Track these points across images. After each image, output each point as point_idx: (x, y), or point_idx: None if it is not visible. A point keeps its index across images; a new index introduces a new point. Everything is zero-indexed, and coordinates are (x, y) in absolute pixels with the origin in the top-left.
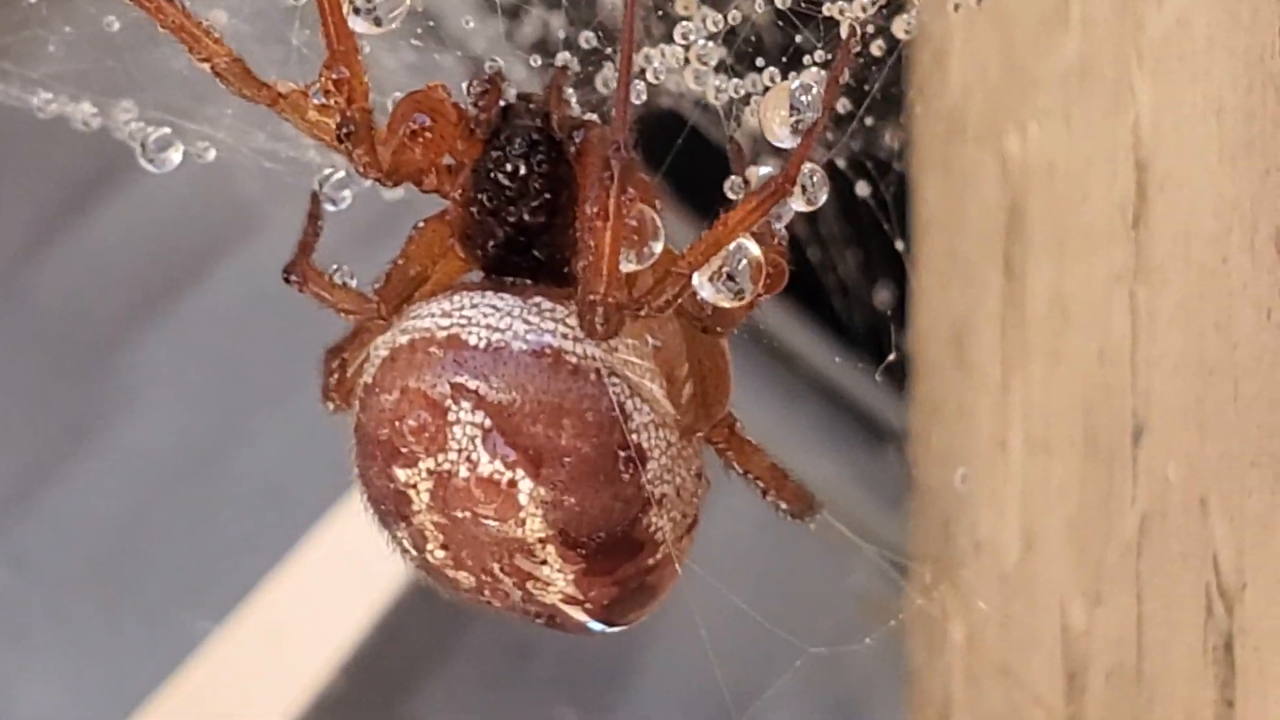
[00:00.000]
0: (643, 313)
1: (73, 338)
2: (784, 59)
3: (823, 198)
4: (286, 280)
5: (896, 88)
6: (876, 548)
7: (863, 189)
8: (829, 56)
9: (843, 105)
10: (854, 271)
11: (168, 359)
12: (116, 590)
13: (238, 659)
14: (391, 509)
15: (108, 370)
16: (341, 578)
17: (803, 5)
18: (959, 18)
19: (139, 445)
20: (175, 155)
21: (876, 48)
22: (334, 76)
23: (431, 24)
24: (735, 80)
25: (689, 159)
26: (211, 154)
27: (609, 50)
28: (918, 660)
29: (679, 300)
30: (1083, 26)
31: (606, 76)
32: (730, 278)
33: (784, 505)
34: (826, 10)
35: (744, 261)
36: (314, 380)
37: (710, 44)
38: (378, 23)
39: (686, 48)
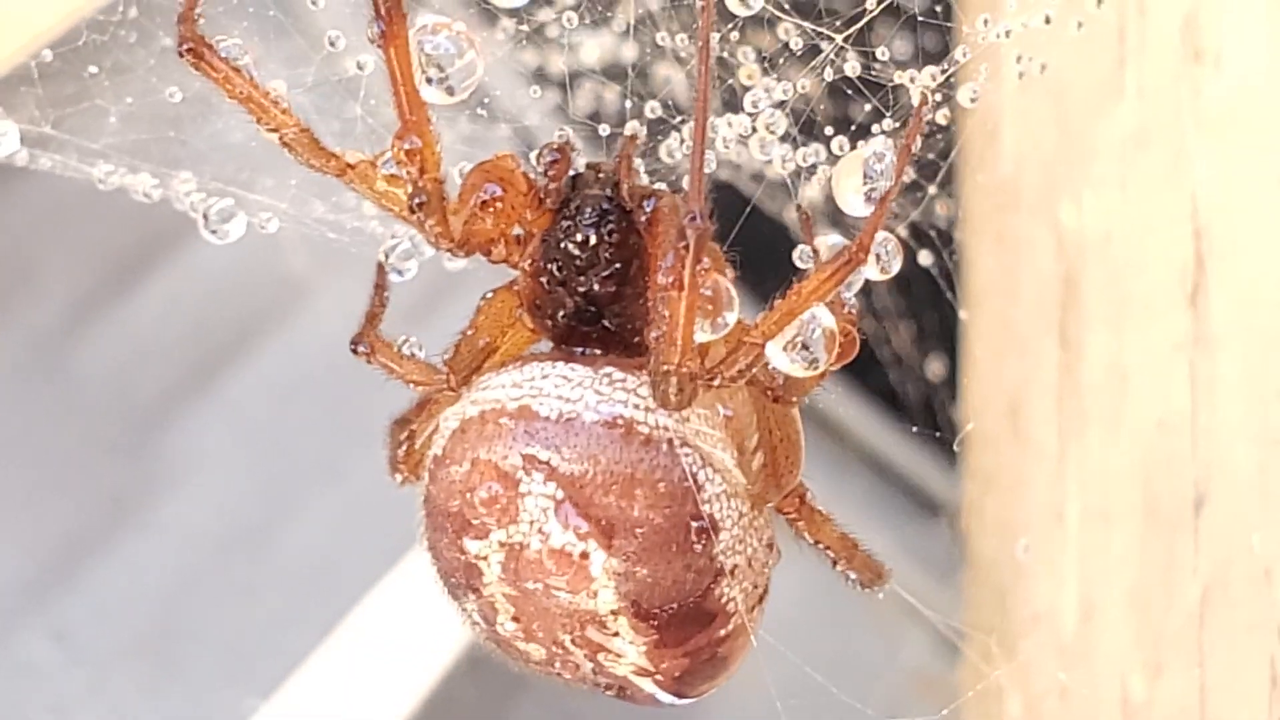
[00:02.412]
0: (716, 383)
1: (119, 411)
2: (852, 128)
3: (896, 266)
4: (354, 351)
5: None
6: (939, 615)
7: (925, 258)
8: (896, 125)
9: (908, 175)
10: (908, 344)
11: (213, 434)
12: (160, 667)
13: None
14: (462, 581)
15: (153, 444)
16: (388, 654)
17: (871, 74)
18: (1012, 89)
19: (184, 520)
20: (239, 226)
21: (942, 116)
22: (406, 147)
23: (487, 100)
24: (802, 150)
25: (748, 233)
26: (274, 225)
27: (675, 120)
28: None
29: (752, 370)
30: (1139, 94)
31: (670, 146)
32: (805, 347)
33: (853, 575)
34: (896, 78)
35: (818, 331)
36: (360, 456)
37: (777, 113)
38: (450, 92)
39: (754, 116)
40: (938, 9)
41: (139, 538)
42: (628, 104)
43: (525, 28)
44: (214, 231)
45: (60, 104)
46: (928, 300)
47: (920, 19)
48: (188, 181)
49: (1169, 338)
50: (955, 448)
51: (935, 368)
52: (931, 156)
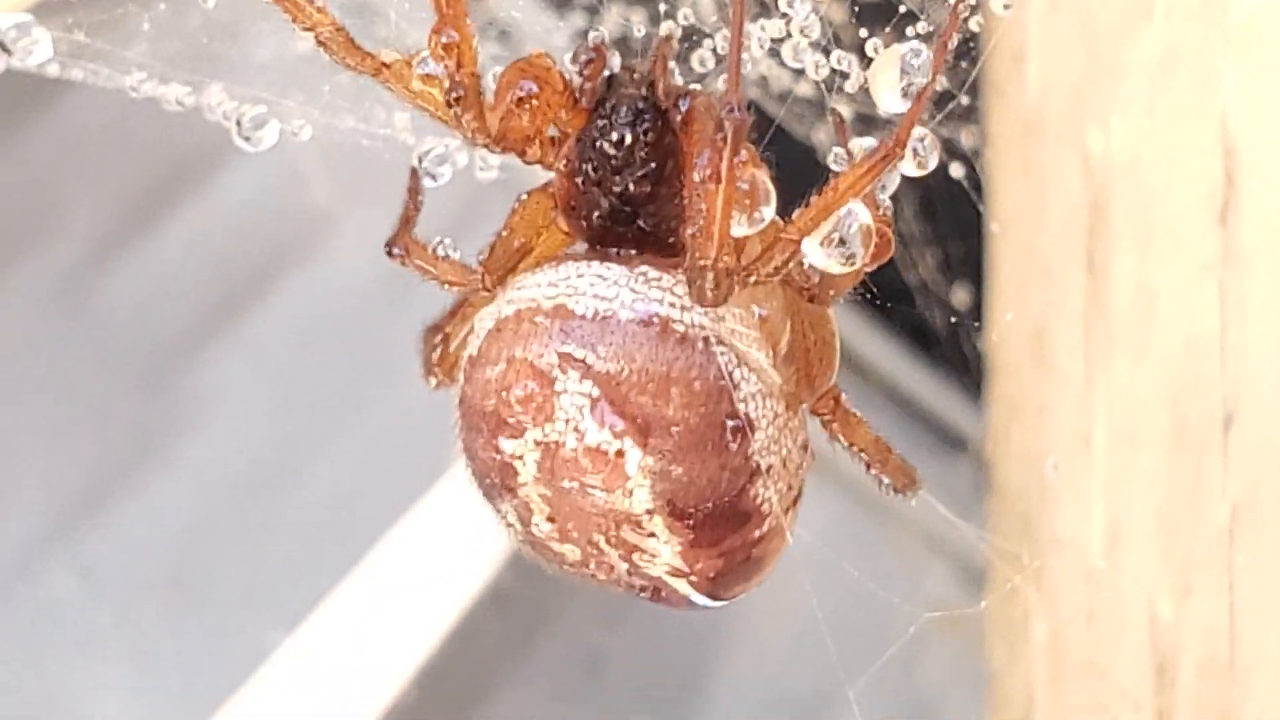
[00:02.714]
0: (752, 279)
1: (142, 349)
2: (887, 29)
3: (934, 162)
4: (389, 254)
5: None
6: (954, 548)
7: (957, 170)
8: (930, 29)
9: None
10: (933, 271)
11: (237, 371)
12: (185, 601)
13: (307, 669)
14: (497, 481)
15: (176, 382)
16: (411, 589)
17: None
18: (1037, 15)
19: (207, 457)
20: (271, 133)
21: (975, 23)
22: (443, 40)
23: (509, 29)
24: (836, 53)
25: (775, 155)
26: (307, 132)
27: (706, 30)
28: (999, 660)
29: (788, 266)
30: (1166, 15)
31: (703, 56)
32: (842, 242)
33: (887, 480)
34: None
35: (855, 226)
36: (382, 394)
37: (813, 16)
38: None
39: (787, 20)
40: None
41: (163, 475)
42: (662, 9)
43: None
44: (247, 139)
45: (93, 11)
46: (953, 228)
47: None
48: (219, 92)
49: (1197, 258)
50: (980, 378)
51: (961, 296)
52: (964, 64)
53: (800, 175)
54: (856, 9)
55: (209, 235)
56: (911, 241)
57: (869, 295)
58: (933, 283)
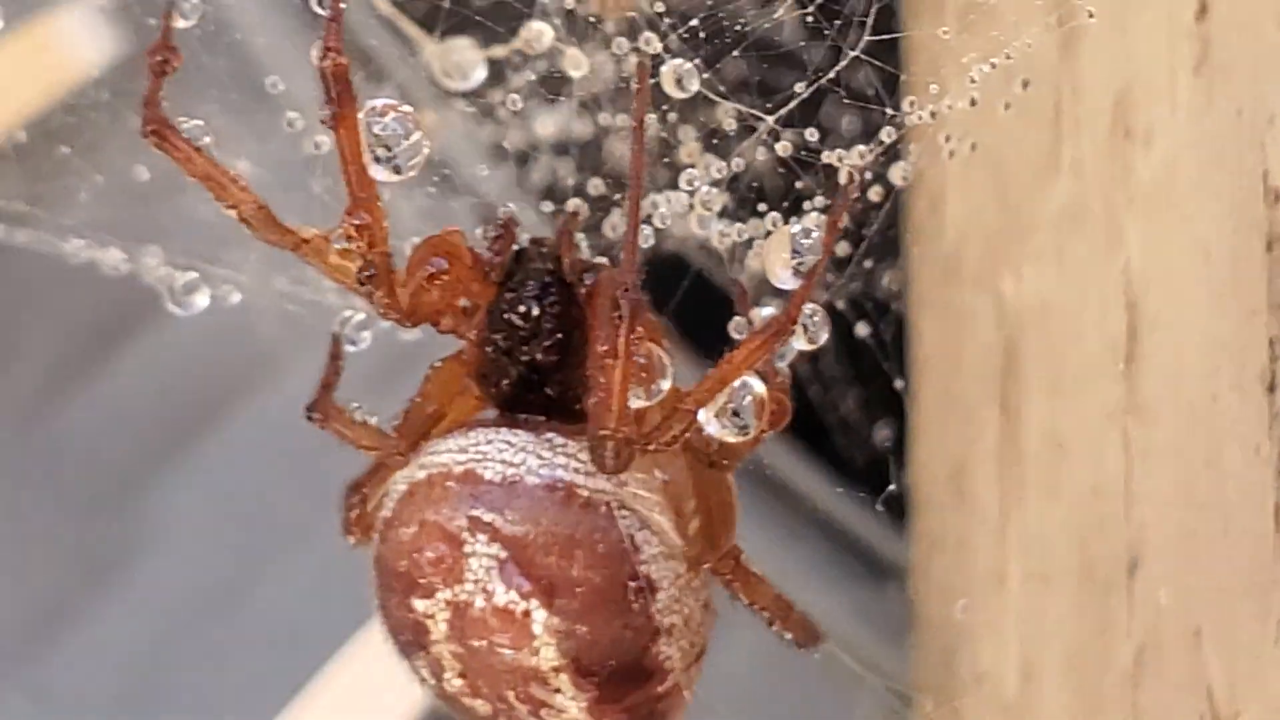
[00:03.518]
0: (651, 447)
1: (95, 477)
2: (785, 204)
3: (824, 337)
4: (309, 418)
5: (894, 231)
6: (881, 679)
7: (862, 329)
8: (828, 202)
9: (843, 249)
10: (855, 410)
11: (188, 499)
12: None
13: None
14: (411, 638)
15: (129, 509)
16: (360, 710)
17: (803, 154)
18: (954, 166)
19: (158, 581)
20: (202, 299)
21: (875, 193)
22: (355, 222)
23: (446, 172)
24: (739, 225)
25: (694, 301)
26: (236, 297)
27: (616, 196)
28: None
29: (685, 436)
30: (1073, 171)
31: (614, 222)
32: (735, 414)
33: (789, 635)
34: (825, 158)
35: (748, 398)
36: (331, 520)
37: (714, 190)
38: (397, 171)
39: (691, 194)
40: (869, 92)
41: (114, 598)
42: (569, 181)
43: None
44: (179, 304)
45: (34, 181)
46: (875, 369)
47: (848, 101)
48: (155, 256)
49: (1103, 405)
50: (901, 512)
51: (884, 433)
52: (866, 233)
53: (721, 320)
54: (755, 185)
55: (159, 369)
56: (834, 383)
57: (796, 429)
58: (855, 422)
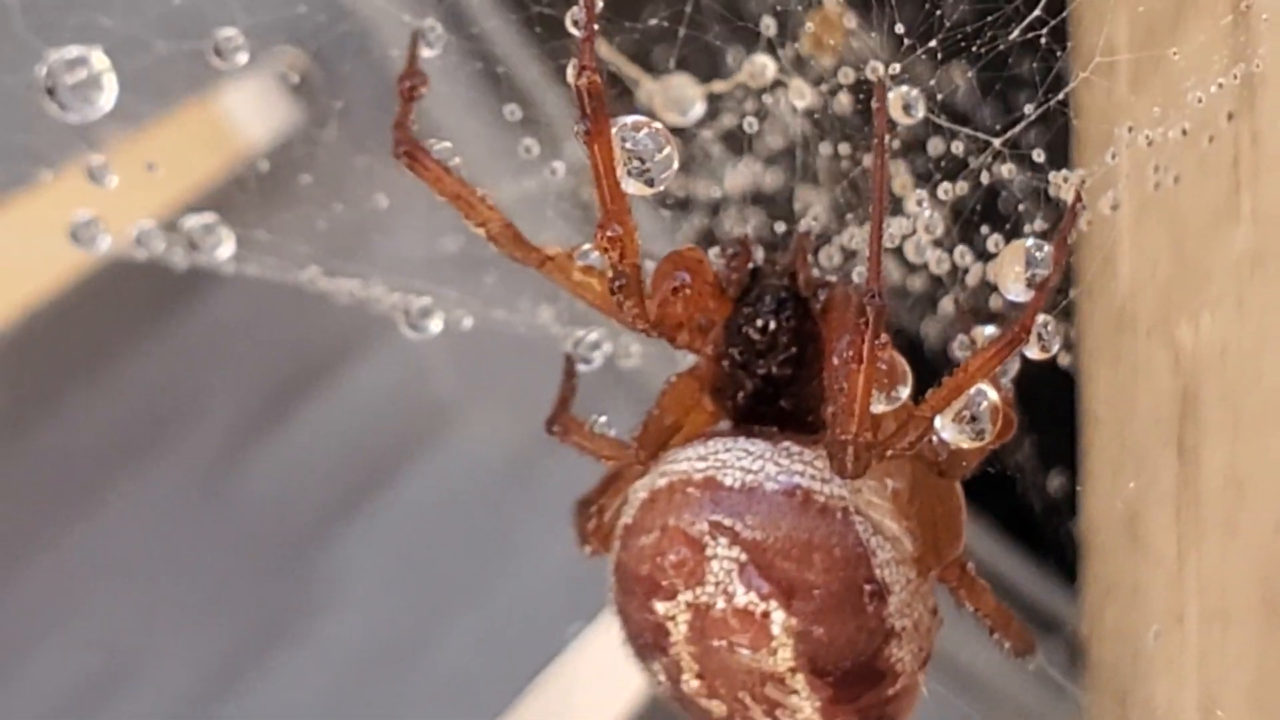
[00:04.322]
0: (889, 454)
1: (274, 534)
2: (1007, 227)
3: (1056, 346)
4: (549, 431)
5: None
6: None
7: (1064, 358)
8: (1046, 226)
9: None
10: (1029, 460)
11: (364, 554)
12: None
13: None
14: (650, 641)
15: (307, 565)
16: None
17: (1024, 177)
18: (1126, 220)
19: (337, 636)
20: (436, 323)
21: (1085, 222)
22: (609, 234)
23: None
24: (958, 248)
25: None
26: (469, 321)
27: (830, 230)
28: None
29: (920, 442)
30: (1253, 218)
31: (830, 252)
32: (972, 419)
33: (1008, 644)
34: (1052, 179)
35: (984, 404)
36: (502, 575)
37: (935, 214)
38: (650, 184)
39: (912, 218)
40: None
41: (294, 653)
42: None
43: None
44: (414, 327)
45: (268, 210)
46: (1047, 419)
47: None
48: (381, 285)
49: None
50: (1074, 561)
51: (1056, 483)
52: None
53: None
54: (978, 209)
55: (337, 425)
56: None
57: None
58: (1030, 470)
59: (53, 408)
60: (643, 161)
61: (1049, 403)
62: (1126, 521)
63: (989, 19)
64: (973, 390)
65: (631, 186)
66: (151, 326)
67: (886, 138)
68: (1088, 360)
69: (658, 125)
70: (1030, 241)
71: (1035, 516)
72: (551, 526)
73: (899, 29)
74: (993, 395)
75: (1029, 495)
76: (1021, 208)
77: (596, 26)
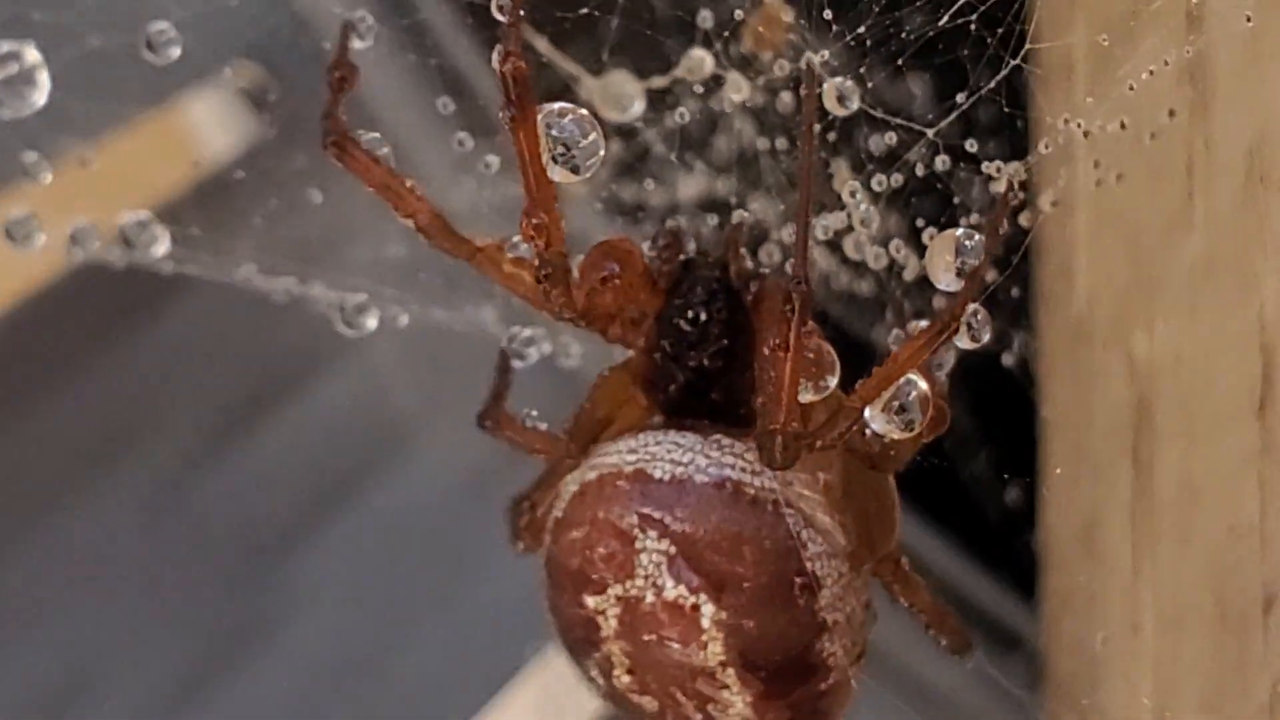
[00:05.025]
0: (818, 445)
1: (237, 546)
2: (941, 220)
3: (986, 336)
4: (481, 426)
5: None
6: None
7: (1009, 359)
8: (980, 220)
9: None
10: (985, 471)
11: (327, 566)
12: None
13: None
14: (582, 635)
15: (270, 577)
16: None
17: (960, 168)
18: (1082, 229)
19: (301, 649)
20: (371, 320)
21: (1024, 219)
22: (534, 222)
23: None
24: (894, 242)
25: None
26: (404, 319)
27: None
28: None
29: (851, 433)
30: (1206, 225)
31: (769, 249)
32: (901, 409)
33: (944, 641)
34: (985, 170)
35: (914, 394)
36: (469, 586)
37: (872, 208)
38: (575, 171)
39: (848, 213)
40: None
41: (258, 665)
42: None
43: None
44: (349, 324)
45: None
46: (1005, 431)
47: (1007, 111)
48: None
49: (1238, 451)
50: (1032, 575)
51: (1013, 495)
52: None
53: (858, 371)
54: (912, 201)
55: (300, 437)
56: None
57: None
58: (987, 482)
59: (13, 418)
60: (568, 148)
61: (1007, 414)
62: (1083, 532)
63: (918, 3)
64: (902, 380)
65: (557, 174)
66: (114, 338)
67: (816, 125)
68: (1046, 371)
69: (583, 111)
70: (960, 231)
71: (993, 530)
72: None
73: (827, 15)
74: (922, 385)
75: (987, 508)
76: (958, 200)
77: (524, 13)
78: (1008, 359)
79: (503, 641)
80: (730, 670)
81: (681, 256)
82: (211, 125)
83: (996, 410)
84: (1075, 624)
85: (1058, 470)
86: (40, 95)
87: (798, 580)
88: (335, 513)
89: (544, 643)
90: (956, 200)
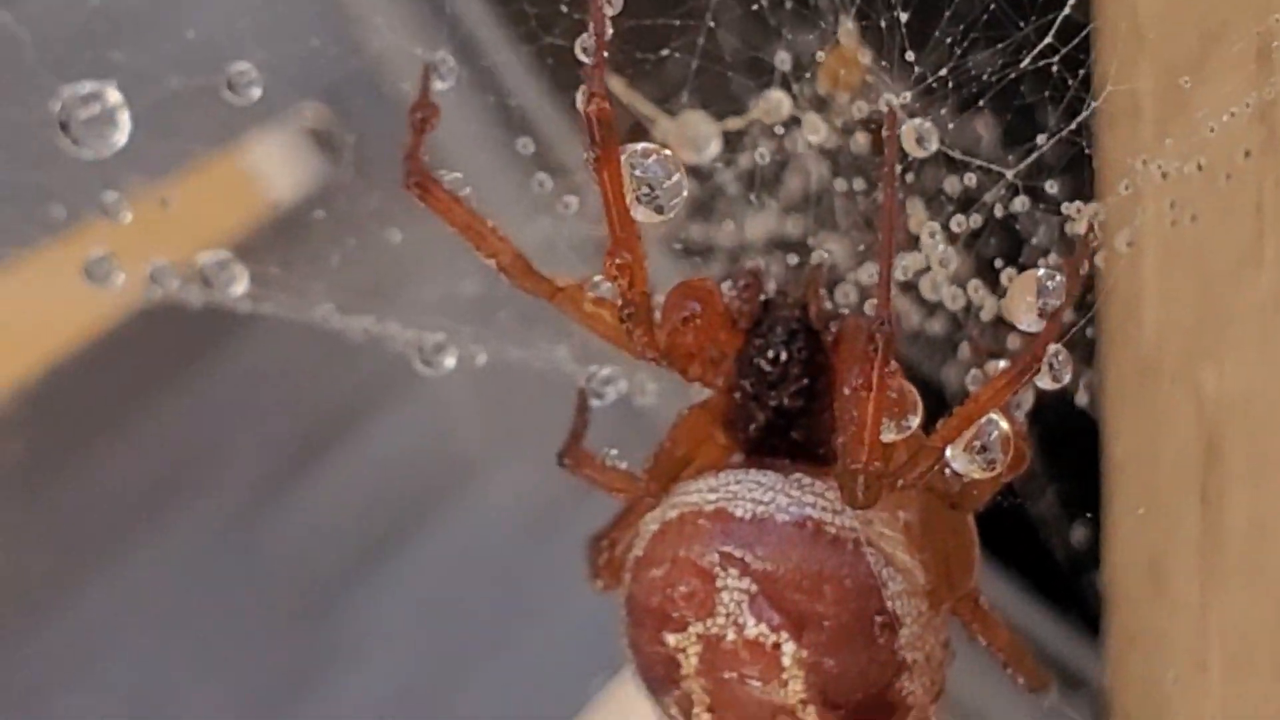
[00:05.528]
0: (900, 484)
1: (300, 583)
2: (1019, 261)
3: (1067, 376)
4: (561, 464)
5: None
6: None
7: (1079, 398)
8: (1059, 260)
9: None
10: (1051, 511)
11: (390, 605)
12: None
13: None
14: (662, 674)
15: (332, 617)
16: None
17: (1039, 209)
18: (1153, 263)
19: (363, 686)
20: (450, 360)
21: (1100, 259)
22: (617, 261)
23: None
24: (972, 281)
25: None
26: (483, 358)
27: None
28: None
29: (931, 473)
30: (1276, 263)
31: (845, 290)
32: (983, 449)
33: (1022, 680)
34: (1064, 210)
35: (995, 433)
36: (526, 627)
37: (949, 249)
38: (659, 210)
39: (926, 254)
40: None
41: (320, 704)
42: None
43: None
44: (428, 363)
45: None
46: (1071, 469)
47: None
48: (403, 321)
49: None
50: (1098, 613)
51: (1080, 534)
52: (1092, 299)
53: (930, 411)
54: (991, 242)
55: (362, 476)
56: (1032, 479)
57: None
58: (1053, 521)
59: (76, 459)
60: (652, 189)
61: (1073, 452)
62: (1150, 569)
63: (999, 46)
64: (983, 420)
65: (640, 214)
66: (176, 377)
67: (897, 165)
68: (1112, 409)
69: (667, 152)
70: (1042, 271)
71: (1060, 569)
72: (576, 578)
73: (909, 57)
74: (1004, 425)
75: (1053, 547)
76: (1035, 241)
77: (606, 54)
78: (1078, 398)
79: (566, 681)
80: (811, 708)
81: (762, 296)
82: (278, 166)
83: (1063, 448)
84: (1141, 662)
85: (1126, 509)
86: (121, 135)
87: (878, 619)
88: (397, 551)
89: (608, 679)
90: (1033, 241)
